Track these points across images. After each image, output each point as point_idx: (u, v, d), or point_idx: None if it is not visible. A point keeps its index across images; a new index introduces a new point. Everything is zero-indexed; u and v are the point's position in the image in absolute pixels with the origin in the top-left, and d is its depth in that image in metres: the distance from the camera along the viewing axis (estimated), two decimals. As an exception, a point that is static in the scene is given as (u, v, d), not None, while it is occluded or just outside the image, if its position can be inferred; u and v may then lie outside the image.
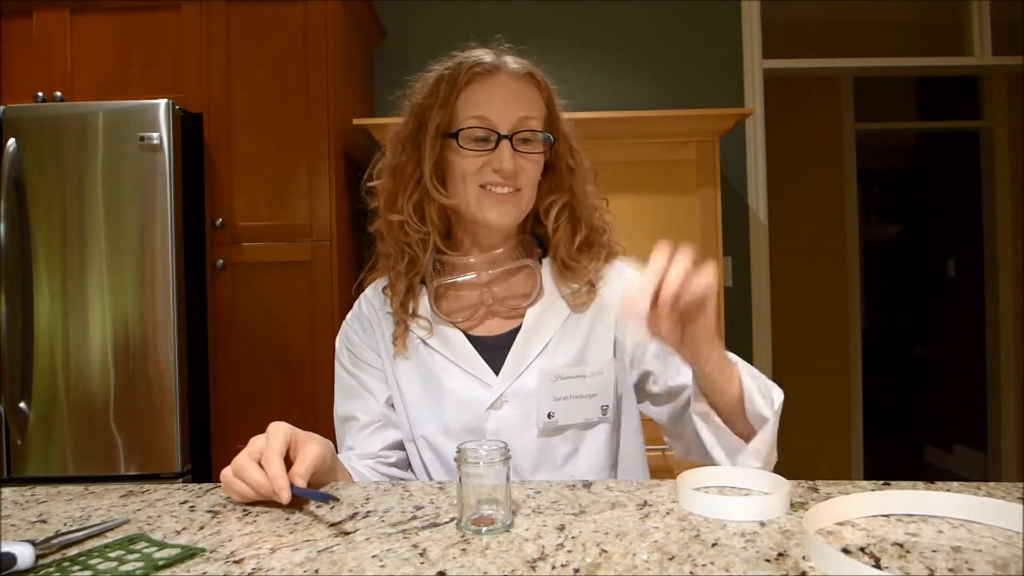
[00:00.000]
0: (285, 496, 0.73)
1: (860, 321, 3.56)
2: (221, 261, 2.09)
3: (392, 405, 1.04)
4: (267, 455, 0.77)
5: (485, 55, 0.97)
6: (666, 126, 2.17)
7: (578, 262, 1.01)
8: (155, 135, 1.91)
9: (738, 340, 2.59)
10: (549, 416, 0.94)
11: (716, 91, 2.65)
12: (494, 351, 0.98)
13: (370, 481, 0.96)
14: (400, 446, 1.04)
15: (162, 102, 1.93)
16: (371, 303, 1.07)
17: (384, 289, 1.04)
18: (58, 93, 2.10)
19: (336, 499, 0.67)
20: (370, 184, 1.04)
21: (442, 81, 0.95)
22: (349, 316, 1.10)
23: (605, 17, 2.67)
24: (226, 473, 0.80)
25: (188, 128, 2.05)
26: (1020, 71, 2.79)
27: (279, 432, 0.80)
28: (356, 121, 2.18)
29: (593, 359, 0.99)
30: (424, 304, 1.01)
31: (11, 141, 1.91)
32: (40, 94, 2.11)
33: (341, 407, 1.07)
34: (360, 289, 1.12)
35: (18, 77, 2.15)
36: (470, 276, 1.00)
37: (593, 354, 1.00)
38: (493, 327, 1.01)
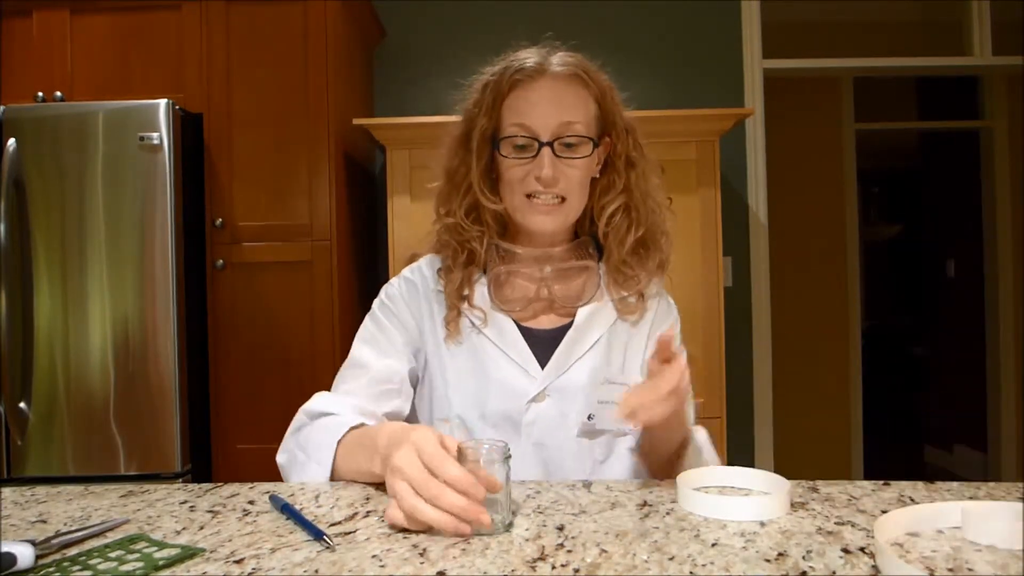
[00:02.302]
0: (485, 520, 0.64)
1: (860, 321, 3.56)
2: (221, 261, 2.09)
3: (409, 374, 1.01)
4: (445, 464, 0.66)
5: (530, 58, 0.96)
6: (666, 126, 2.17)
7: (631, 268, 1.01)
8: (155, 135, 1.91)
9: (738, 340, 2.59)
10: (589, 418, 0.95)
11: (716, 91, 2.65)
12: (543, 345, 0.99)
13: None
14: (397, 418, 1.01)
15: (162, 102, 1.93)
16: (426, 278, 1.06)
17: (439, 271, 1.04)
18: (58, 93, 2.10)
19: (330, 545, 0.65)
20: (430, 186, 1.06)
21: (487, 87, 0.96)
22: (398, 278, 1.07)
23: (604, 17, 2.67)
24: (407, 508, 0.65)
25: (188, 128, 2.05)
26: (1020, 71, 2.79)
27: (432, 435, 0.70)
28: (356, 121, 2.18)
29: (630, 370, 1.01)
30: (480, 293, 1.01)
31: (11, 141, 1.91)
32: (40, 94, 2.11)
33: (358, 351, 1.02)
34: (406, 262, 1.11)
35: (18, 77, 2.15)
36: (532, 268, 1.01)
37: (629, 366, 1.02)
38: (545, 321, 1.02)
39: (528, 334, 1.00)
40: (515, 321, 1.00)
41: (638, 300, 1.01)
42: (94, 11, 2.15)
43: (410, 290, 1.05)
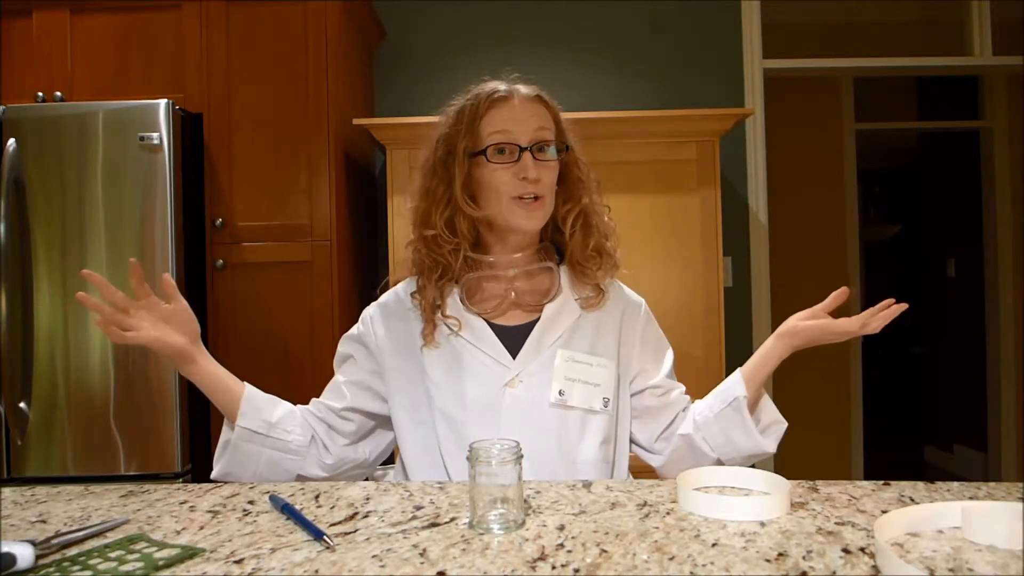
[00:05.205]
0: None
1: (860, 321, 3.55)
2: (221, 261, 2.09)
3: (368, 388, 1.14)
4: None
5: (500, 85, 1.11)
6: (666, 126, 2.17)
7: (589, 266, 1.14)
8: (155, 135, 1.91)
9: (738, 340, 2.59)
10: (560, 393, 1.06)
11: (716, 91, 2.65)
12: (513, 339, 1.09)
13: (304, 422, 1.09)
14: (355, 411, 1.13)
15: (162, 102, 1.93)
16: (401, 299, 1.17)
17: (413, 294, 1.14)
18: (58, 93, 2.10)
19: (330, 545, 0.66)
20: (408, 207, 1.17)
21: (464, 110, 1.10)
22: (373, 305, 1.19)
23: (605, 17, 2.67)
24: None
25: (188, 128, 2.05)
26: (1020, 71, 2.78)
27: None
28: (356, 121, 2.18)
29: (600, 351, 1.11)
30: (453, 302, 1.11)
31: (11, 141, 1.91)
32: (40, 94, 2.11)
33: (336, 371, 1.19)
34: (385, 288, 1.23)
35: (18, 77, 2.15)
36: (500, 272, 1.13)
37: (599, 347, 1.12)
38: (514, 318, 1.12)
39: (498, 330, 1.10)
40: (486, 320, 1.11)
41: (597, 293, 1.14)
42: (94, 11, 2.14)
43: (383, 313, 1.16)
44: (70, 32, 2.14)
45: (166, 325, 1.00)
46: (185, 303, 1.02)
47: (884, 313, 1.01)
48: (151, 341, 0.96)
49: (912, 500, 0.75)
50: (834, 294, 1.05)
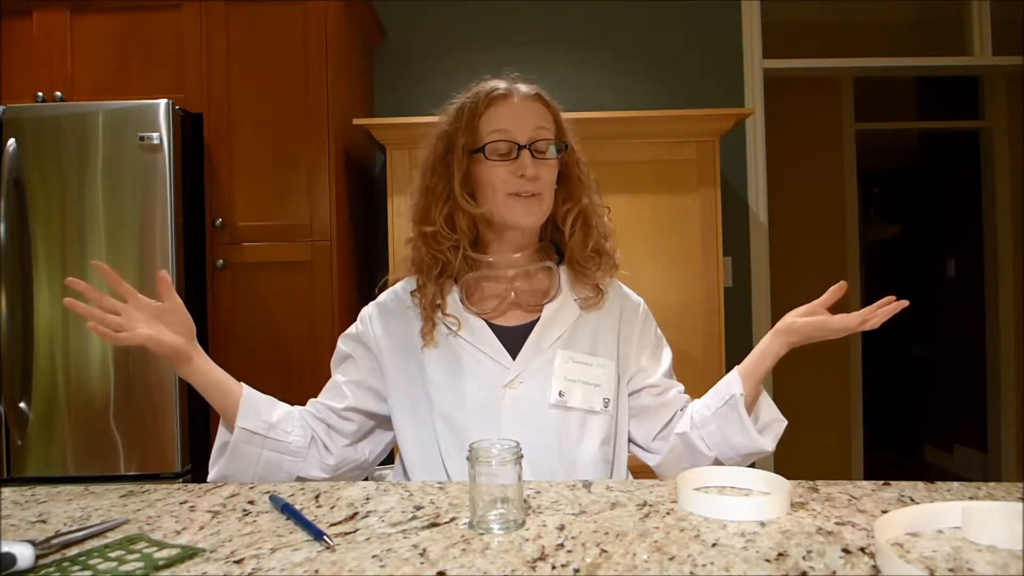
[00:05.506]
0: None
1: (860, 321, 3.55)
2: (221, 261, 2.09)
3: (369, 388, 1.13)
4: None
5: (500, 83, 1.11)
6: (666, 126, 2.17)
7: (588, 266, 1.14)
8: (155, 135, 1.91)
9: (738, 340, 2.58)
10: (560, 394, 1.06)
11: (716, 91, 2.65)
12: (512, 339, 1.09)
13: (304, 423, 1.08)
14: (356, 411, 1.12)
15: (162, 102, 1.93)
16: (400, 298, 1.16)
17: (413, 292, 1.14)
18: (58, 93, 2.10)
19: (330, 545, 0.66)
20: (410, 204, 1.17)
21: (464, 108, 1.10)
22: (372, 304, 1.19)
23: (605, 17, 2.67)
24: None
25: (188, 128, 2.05)
26: (1020, 71, 2.79)
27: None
28: (356, 121, 2.18)
29: (600, 351, 1.11)
30: (453, 301, 1.11)
31: (11, 141, 1.91)
32: (40, 94, 2.11)
33: (333, 371, 1.18)
34: (384, 287, 1.22)
35: (18, 77, 2.15)
36: (500, 272, 1.13)
37: (599, 347, 1.12)
38: (513, 318, 1.12)
39: (498, 330, 1.10)
40: (486, 320, 1.10)
41: (596, 293, 1.14)
42: (94, 11, 2.14)
43: (382, 312, 1.16)
44: (70, 32, 2.14)
45: (160, 324, 0.97)
46: (179, 301, 1.00)
47: (884, 310, 0.99)
48: (145, 340, 0.94)
49: (912, 500, 0.75)
50: (832, 289, 1.03)
